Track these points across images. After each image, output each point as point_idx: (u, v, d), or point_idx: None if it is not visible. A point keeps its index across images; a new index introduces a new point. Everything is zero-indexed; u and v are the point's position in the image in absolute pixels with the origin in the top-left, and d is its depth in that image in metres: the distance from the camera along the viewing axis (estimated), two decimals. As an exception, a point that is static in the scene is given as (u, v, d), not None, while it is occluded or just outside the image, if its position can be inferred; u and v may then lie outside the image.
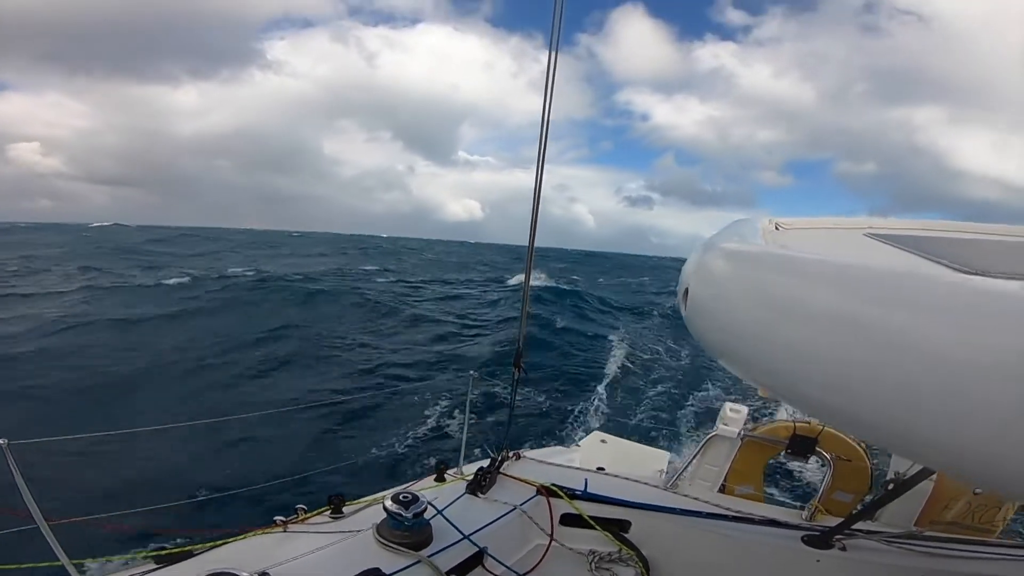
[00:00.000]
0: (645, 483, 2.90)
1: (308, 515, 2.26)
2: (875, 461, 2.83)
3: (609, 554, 2.55)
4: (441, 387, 10.06)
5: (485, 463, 2.88)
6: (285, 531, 2.11)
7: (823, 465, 2.84)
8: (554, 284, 29.32)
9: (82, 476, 5.86)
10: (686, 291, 1.52)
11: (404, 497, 2.09)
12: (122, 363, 11.04)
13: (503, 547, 2.30)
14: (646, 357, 15.01)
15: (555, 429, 8.98)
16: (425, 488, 2.68)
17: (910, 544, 2.38)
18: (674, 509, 2.61)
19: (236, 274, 26.53)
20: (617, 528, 2.61)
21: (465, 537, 2.17)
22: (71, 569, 1.55)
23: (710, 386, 12.10)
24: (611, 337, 17.21)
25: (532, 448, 4.62)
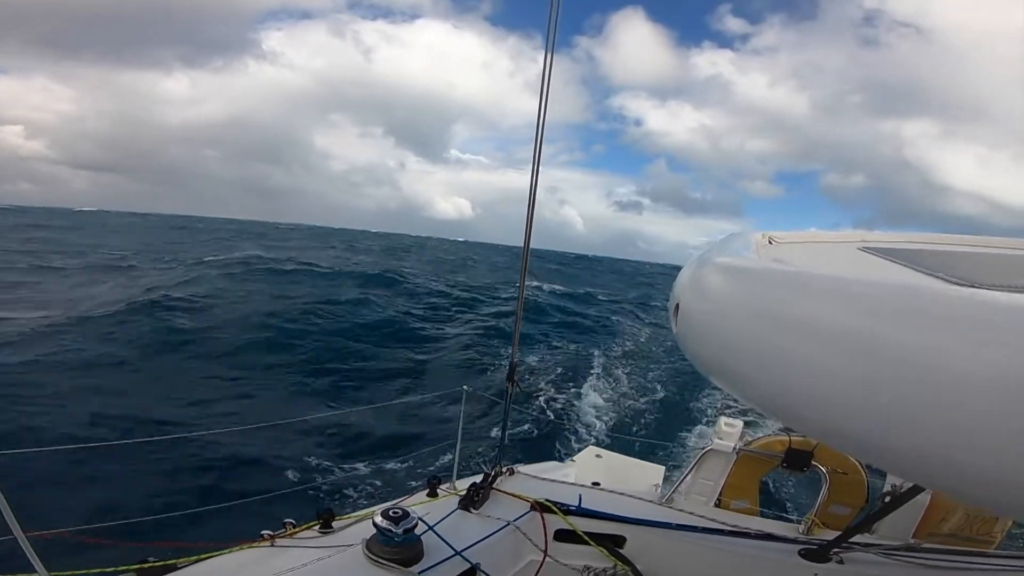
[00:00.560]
0: (640, 498, 2.87)
1: (296, 529, 2.21)
2: (871, 474, 2.82)
3: (604, 570, 2.51)
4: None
5: (478, 478, 2.85)
6: (272, 545, 2.06)
7: (819, 479, 2.83)
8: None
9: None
10: (677, 306, 1.50)
11: (394, 512, 2.05)
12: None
13: (496, 563, 2.26)
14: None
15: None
16: (417, 503, 2.64)
17: (908, 556, 2.37)
18: (669, 524, 2.58)
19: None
20: (612, 543, 2.57)
21: (457, 553, 2.13)
22: None
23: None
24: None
25: (526, 464, 4.57)
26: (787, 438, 2.86)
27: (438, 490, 2.80)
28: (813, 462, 2.78)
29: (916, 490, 2.26)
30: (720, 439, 2.95)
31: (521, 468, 3.26)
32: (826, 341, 0.89)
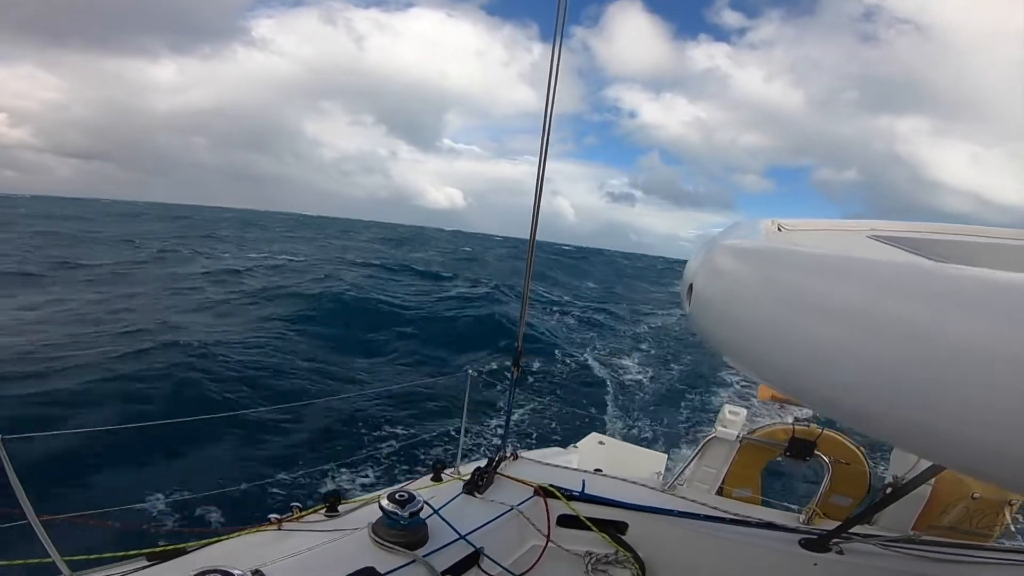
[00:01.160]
0: (643, 485, 2.89)
1: (303, 513, 2.24)
2: (873, 465, 2.83)
3: (606, 556, 2.54)
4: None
5: (483, 463, 2.87)
6: (280, 529, 2.09)
7: (822, 469, 2.84)
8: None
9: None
10: (690, 287, 1.52)
11: (400, 496, 2.07)
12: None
13: (499, 548, 2.29)
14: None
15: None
16: (422, 488, 2.67)
17: (907, 548, 2.38)
18: (671, 511, 2.60)
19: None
20: (614, 530, 2.60)
21: (461, 537, 2.15)
22: (62, 566, 1.53)
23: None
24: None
25: (530, 449, 4.61)
26: (790, 427, 2.86)
27: (443, 475, 2.84)
28: (816, 451, 2.79)
29: (917, 482, 2.26)
30: (724, 427, 2.96)
31: (525, 453, 3.29)
32: (838, 319, 0.89)
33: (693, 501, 2.71)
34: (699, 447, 3.02)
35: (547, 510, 2.56)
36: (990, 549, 2.47)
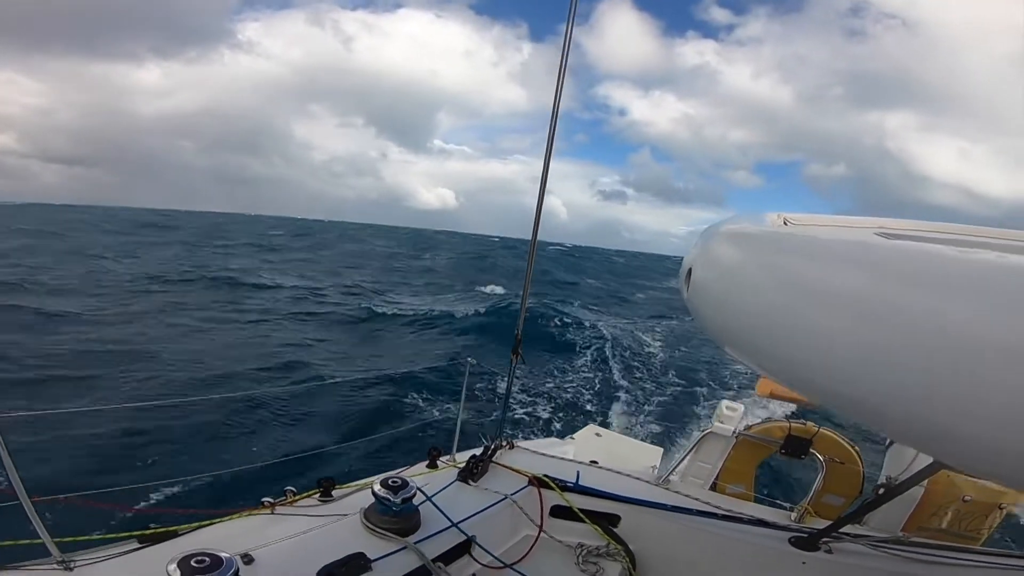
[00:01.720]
0: (637, 478, 2.89)
1: (296, 497, 2.25)
2: (867, 466, 2.83)
3: (597, 548, 2.55)
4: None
5: (478, 451, 2.88)
6: (272, 513, 2.10)
7: (816, 467, 2.83)
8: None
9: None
10: (689, 273, 1.52)
11: (393, 482, 2.07)
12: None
13: (492, 536, 2.30)
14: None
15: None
16: (416, 474, 2.67)
17: (895, 549, 2.38)
18: (664, 505, 2.61)
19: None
20: (607, 522, 2.60)
21: (453, 525, 2.16)
22: (52, 547, 1.53)
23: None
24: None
25: (527, 439, 4.62)
26: (787, 424, 2.86)
27: (438, 461, 2.84)
28: (811, 450, 2.78)
29: (910, 483, 2.25)
30: (720, 422, 2.95)
31: (521, 443, 3.29)
32: (835, 306, 0.88)
33: (686, 496, 2.72)
34: (695, 442, 3.02)
35: (541, 500, 2.56)
36: (977, 552, 2.47)
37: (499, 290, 25.20)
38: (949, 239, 1.60)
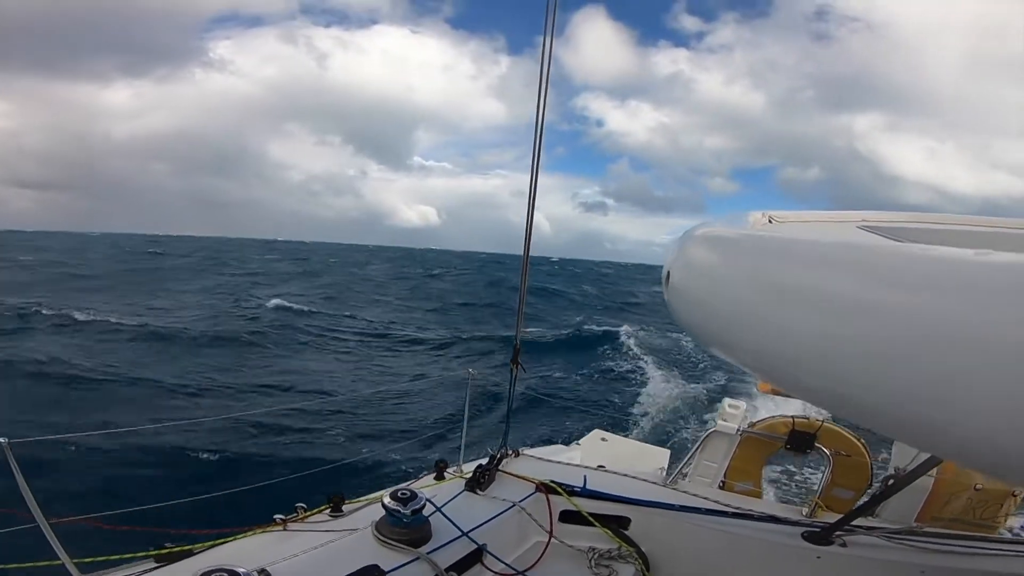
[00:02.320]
0: (644, 480, 2.90)
1: (308, 513, 2.26)
2: (875, 457, 2.83)
3: (609, 551, 2.55)
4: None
5: (484, 460, 2.89)
6: (285, 529, 2.11)
7: (823, 461, 2.84)
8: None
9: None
10: (668, 275, 1.55)
11: (403, 494, 2.09)
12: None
13: (502, 544, 2.30)
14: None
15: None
16: (424, 486, 2.69)
17: (911, 540, 2.38)
18: (673, 505, 2.61)
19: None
20: (616, 525, 2.61)
21: (464, 534, 2.17)
22: (72, 568, 1.55)
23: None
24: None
25: (532, 446, 4.62)
26: (790, 420, 2.87)
27: (445, 473, 2.85)
28: (816, 444, 2.79)
29: (919, 473, 2.26)
30: (724, 421, 2.96)
31: (527, 450, 3.30)
32: (806, 304, 0.90)
33: (695, 495, 2.72)
34: (699, 441, 3.03)
35: (549, 506, 2.57)
36: (994, 540, 2.46)
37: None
38: (933, 229, 1.63)
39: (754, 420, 3.04)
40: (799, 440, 2.81)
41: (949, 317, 0.67)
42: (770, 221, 1.69)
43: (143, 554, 1.73)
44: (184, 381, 10.35)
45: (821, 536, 2.43)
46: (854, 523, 2.42)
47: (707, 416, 9.32)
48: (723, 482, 2.97)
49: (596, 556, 2.53)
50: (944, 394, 0.65)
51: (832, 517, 2.58)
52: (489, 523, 2.34)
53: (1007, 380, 0.61)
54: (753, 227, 1.59)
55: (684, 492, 2.78)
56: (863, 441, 2.80)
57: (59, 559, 1.53)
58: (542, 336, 18.47)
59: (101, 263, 40.13)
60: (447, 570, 2.00)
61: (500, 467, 2.83)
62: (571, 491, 2.63)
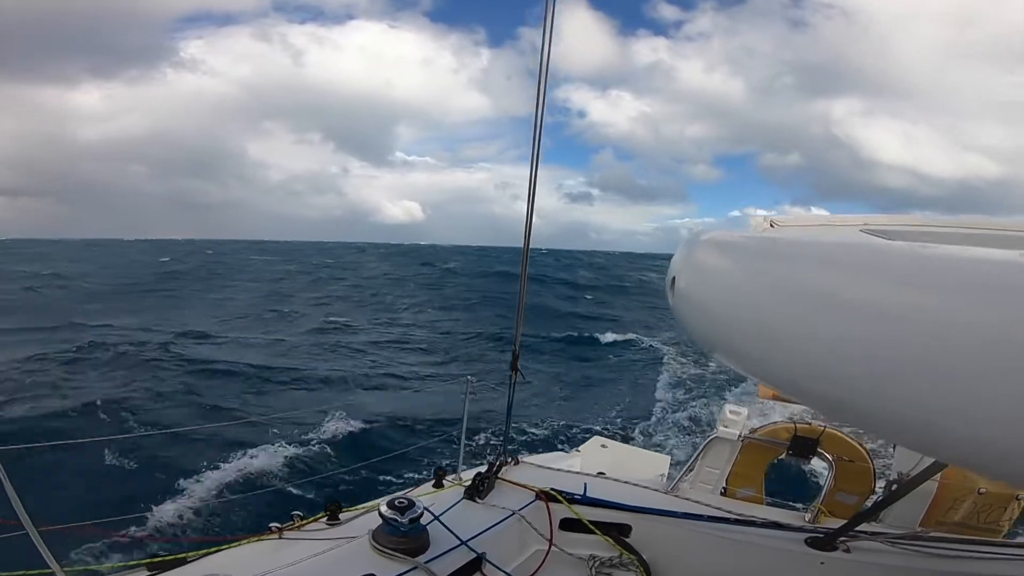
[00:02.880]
0: (645, 487, 2.87)
1: (304, 521, 2.23)
2: (878, 462, 2.81)
3: (610, 559, 2.52)
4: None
5: (483, 468, 2.86)
6: (280, 538, 2.08)
7: (825, 467, 2.82)
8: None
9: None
10: (673, 280, 1.54)
11: (400, 503, 2.06)
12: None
13: (502, 553, 2.27)
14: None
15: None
16: (423, 494, 2.65)
17: (915, 545, 2.36)
18: (675, 513, 2.59)
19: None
20: (617, 532, 2.58)
21: (463, 543, 2.14)
22: None
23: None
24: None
25: (531, 454, 4.59)
26: (792, 425, 2.85)
27: (444, 481, 2.82)
28: (819, 449, 2.77)
29: (922, 478, 2.25)
30: (725, 427, 2.94)
31: (526, 458, 3.27)
32: (822, 310, 0.88)
33: (697, 502, 2.69)
34: (701, 447, 3.00)
35: (549, 514, 2.54)
36: (999, 544, 2.44)
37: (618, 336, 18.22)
38: (931, 232, 1.63)
39: (756, 426, 3.02)
40: (801, 446, 2.79)
41: (959, 319, 0.66)
42: (772, 225, 1.69)
43: (135, 563, 1.70)
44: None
45: (825, 542, 2.41)
46: (857, 528, 2.40)
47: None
48: (725, 488, 2.94)
49: (597, 564, 2.49)
50: (957, 398, 0.64)
51: (835, 523, 2.56)
52: (488, 531, 2.31)
53: (1012, 382, 0.60)
54: (755, 230, 1.59)
55: (685, 499, 2.75)
56: (865, 446, 2.78)
57: (49, 567, 1.50)
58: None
59: (134, 274, 35.94)
60: None
61: (499, 475, 2.81)
62: (571, 499, 2.60)
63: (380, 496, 2.38)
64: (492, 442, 7.70)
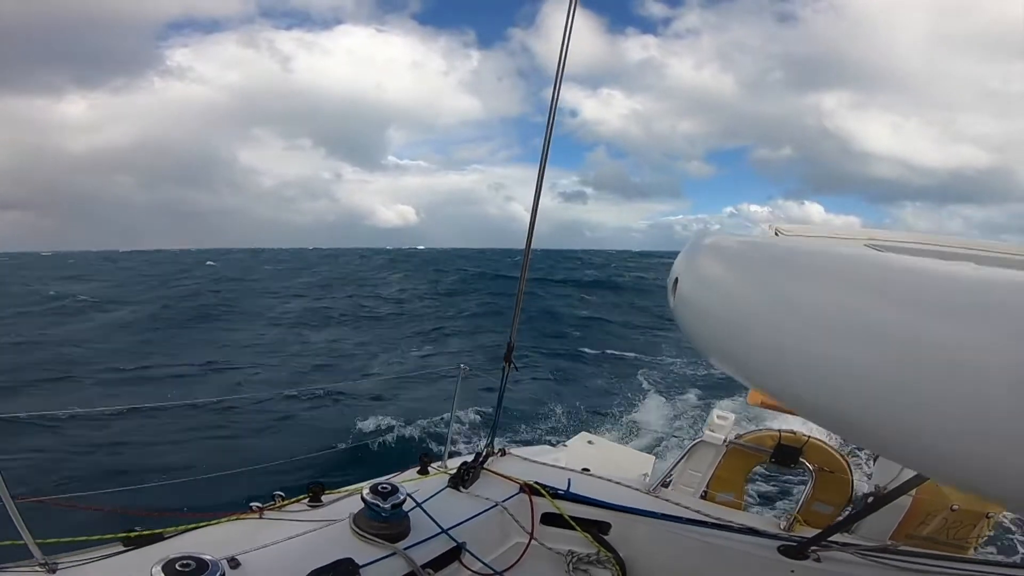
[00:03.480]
0: (628, 486, 2.89)
1: (285, 502, 2.23)
2: (857, 474, 2.84)
3: (588, 555, 2.54)
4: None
5: (470, 458, 2.87)
6: (260, 517, 2.08)
7: (805, 476, 2.84)
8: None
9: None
10: (675, 282, 1.53)
11: (383, 488, 2.06)
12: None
13: (482, 543, 2.29)
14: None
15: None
16: (407, 480, 2.66)
17: (884, 558, 2.39)
18: (654, 513, 2.61)
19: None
20: (597, 530, 2.60)
21: (443, 531, 2.15)
22: (34, 549, 1.52)
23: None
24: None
25: (519, 446, 4.61)
26: (777, 433, 2.87)
27: (429, 467, 2.83)
28: (801, 459, 2.80)
29: (899, 492, 2.27)
30: (711, 431, 2.96)
31: (513, 450, 3.28)
32: (828, 320, 0.88)
33: (676, 504, 2.72)
34: (686, 450, 3.02)
35: (532, 507, 2.56)
36: (964, 560, 2.48)
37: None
38: (933, 250, 1.63)
39: (741, 432, 3.03)
40: (784, 454, 2.81)
41: (952, 336, 0.67)
42: (776, 234, 1.68)
43: (111, 536, 1.69)
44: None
45: (797, 550, 2.43)
46: (830, 539, 2.43)
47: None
48: (706, 492, 2.96)
49: (575, 560, 2.52)
50: (966, 422, 0.64)
51: (810, 532, 2.59)
52: (470, 521, 2.32)
53: (994, 399, 0.60)
54: (758, 238, 1.58)
55: (666, 500, 2.77)
56: (847, 458, 2.80)
57: (22, 539, 1.49)
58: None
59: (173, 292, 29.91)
60: (424, 567, 1.98)
61: (485, 465, 2.82)
62: (555, 493, 2.62)
63: (364, 480, 2.39)
64: (480, 432, 7.72)
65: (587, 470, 3.17)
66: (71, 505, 1.77)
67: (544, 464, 3.11)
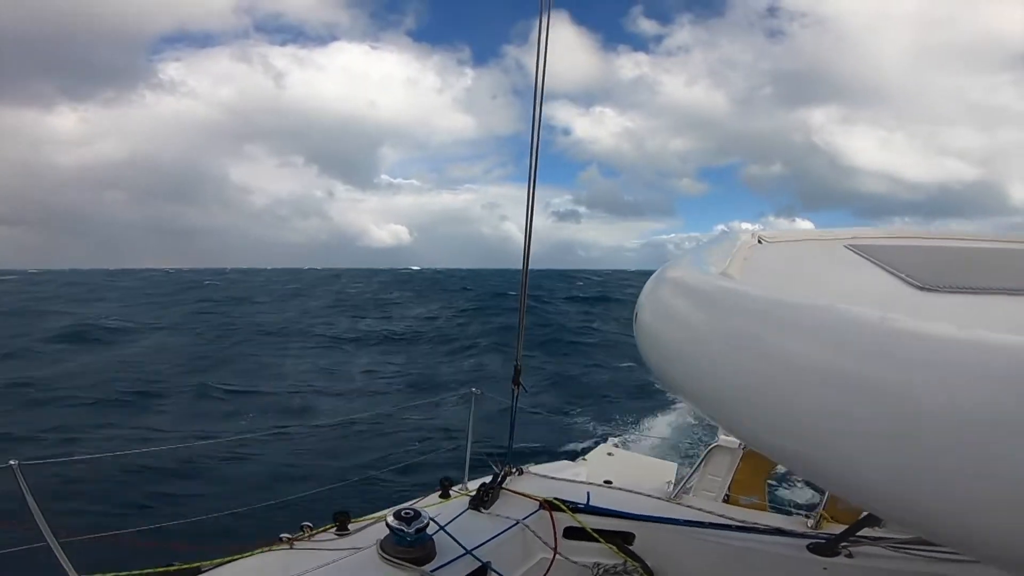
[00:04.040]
0: (648, 495, 2.89)
1: (314, 532, 2.28)
2: None
3: (614, 567, 2.54)
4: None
5: (488, 479, 2.90)
6: (291, 548, 2.13)
7: None
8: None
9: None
10: (636, 313, 1.55)
11: (406, 513, 2.11)
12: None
13: (506, 562, 2.30)
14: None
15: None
16: (429, 504, 2.69)
17: (917, 550, 2.36)
18: (677, 520, 2.60)
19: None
20: (621, 540, 2.60)
21: (468, 552, 2.18)
22: None
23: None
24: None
25: (537, 463, 4.60)
26: None
27: (450, 491, 2.86)
28: None
29: None
30: (726, 435, 2.96)
31: (531, 468, 3.30)
32: (765, 362, 0.89)
33: (699, 510, 2.71)
34: (703, 456, 3.03)
35: (553, 523, 2.57)
36: None
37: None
38: (912, 246, 1.67)
39: None
40: None
41: (917, 397, 0.65)
42: (760, 241, 1.73)
43: (151, 571, 1.75)
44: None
45: (826, 548, 2.41)
46: (860, 534, 2.40)
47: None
48: (727, 495, 2.95)
49: (601, 572, 2.52)
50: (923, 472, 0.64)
51: (838, 528, 2.56)
52: (493, 541, 2.34)
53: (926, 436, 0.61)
54: (741, 250, 1.61)
55: (688, 507, 2.76)
56: None
57: None
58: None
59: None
60: None
61: (504, 485, 2.84)
62: (575, 508, 2.63)
63: (388, 507, 2.43)
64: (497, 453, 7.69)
65: (609, 482, 3.18)
66: (111, 541, 1.84)
67: (562, 480, 3.12)
